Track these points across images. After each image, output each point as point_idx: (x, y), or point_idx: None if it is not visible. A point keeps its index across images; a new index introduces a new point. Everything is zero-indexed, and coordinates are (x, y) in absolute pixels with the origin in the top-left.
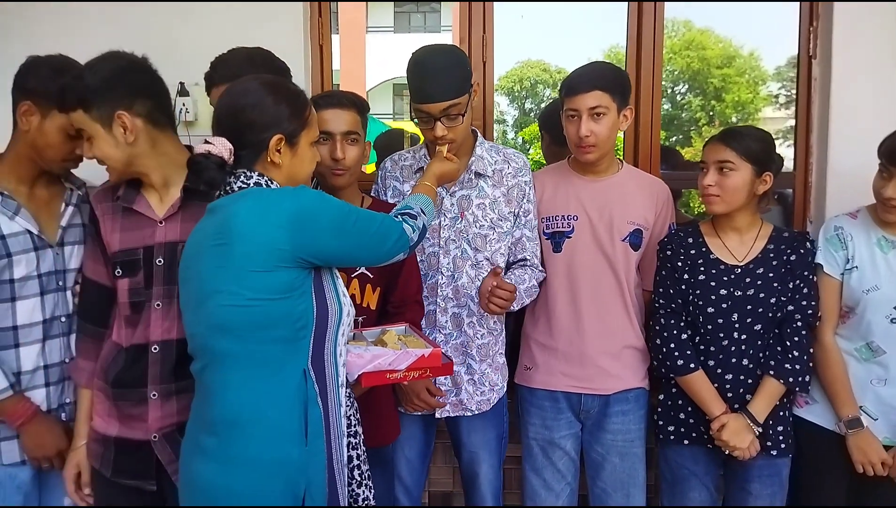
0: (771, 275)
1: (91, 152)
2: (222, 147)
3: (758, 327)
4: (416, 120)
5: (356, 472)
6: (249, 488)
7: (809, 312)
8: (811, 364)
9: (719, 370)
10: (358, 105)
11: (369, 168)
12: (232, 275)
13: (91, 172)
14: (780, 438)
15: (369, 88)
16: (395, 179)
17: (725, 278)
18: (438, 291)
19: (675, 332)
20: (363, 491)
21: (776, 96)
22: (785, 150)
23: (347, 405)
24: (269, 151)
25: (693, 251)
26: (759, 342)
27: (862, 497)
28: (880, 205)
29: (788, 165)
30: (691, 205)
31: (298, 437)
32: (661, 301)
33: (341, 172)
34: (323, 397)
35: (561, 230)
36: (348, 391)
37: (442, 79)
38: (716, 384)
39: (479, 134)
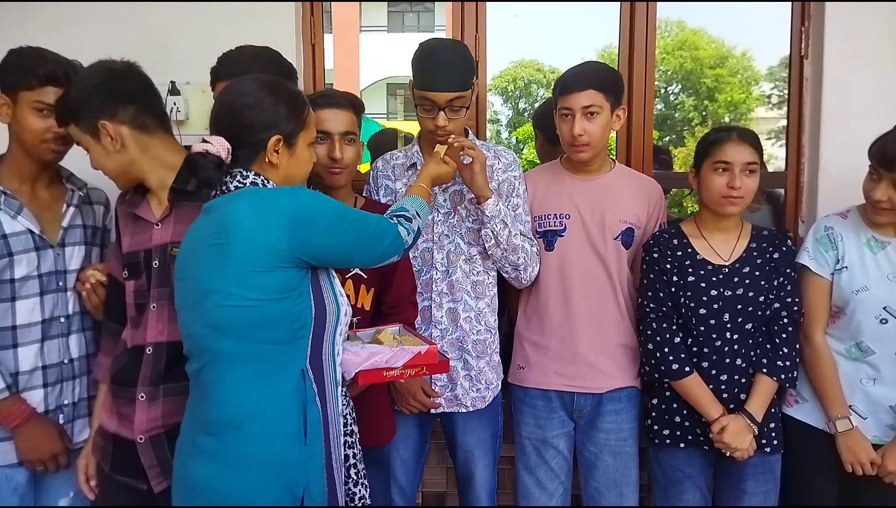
0: (757, 273)
1: (92, 164)
2: (220, 146)
3: (748, 325)
4: (417, 107)
5: (352, 471)
6: (248, 488)
7: (795, 308)
8: (798, 360)
9: (714, 372)
10: (355, 105)
11: (363, 168)
12: (229, 275)
13: (91, 173)
14: (773, 435)
15: (363, 87)
16: (387, 177)
17: (714, 279)
18: (433, 286)
19: (667, 336)
20: (359, 490)
21: (768, 96)
22: (777, 150)
23: (344, 405)
24: (267, 152)
25: (679, 253)
26: (751, 341)
27: (853, 497)
28: (870, 207)
29: (780, 164)
30: (684, 204)
31: (297, 437)
32: (651, 306)
33: (339, 171)
34: (321, 397)
35: (553, 229)
36: (345, 390)
37: (452, 70)
38: (711, 386)
39: (469, 131)
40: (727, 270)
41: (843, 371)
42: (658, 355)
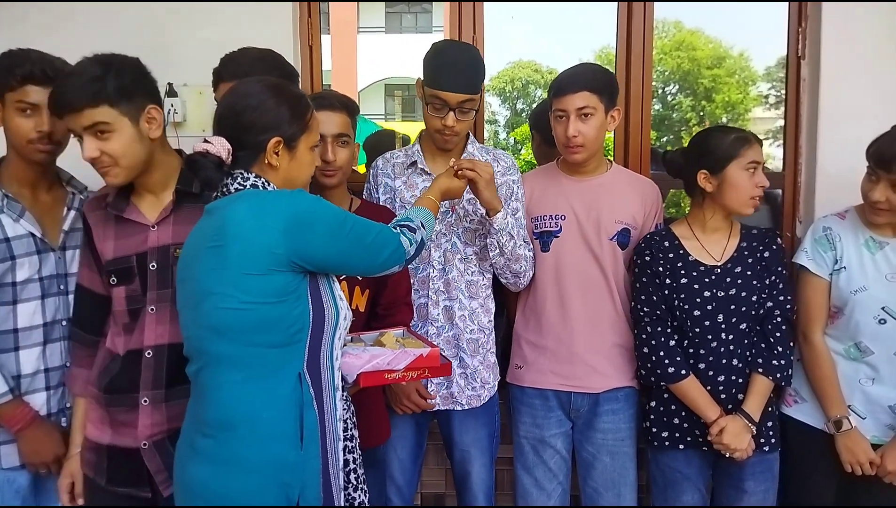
0: (749, 273)
1: (103, 149)
2: (220, 147)
3: (743, 325)
4: (427, 105)
5: (352, 476)
6: (243, 490)
7: (788, 307)
8: (792, 358)
9: (710, 373)
10: (349, 107)
11: (360, 169)
12: (227, 277)
13: (92, 175)
14: (771, 434)
15: (361, 88)
16: (387, 176)
17: (707, 280)
18: (430, 284)
19: (662, 339)
20: (359, 495)
21: (766, 97)
22: (774, 150)
23: (344, 409)
24: (267, 154)
25: (671, 255)
26: (746, 341)
27: (852, 497)
28: (868, 207)
29: (777, 165)
30: (683, 205)
31: (293, 440)
32: (645, 309)
33: (332, 172)
34: (319, 401)
35: (549, 230)
36: (345, 394)
37: (468, 72)
38: (708, 387)
39: (470, 134)
40: (719, 270)
41: (842, 371)
42: (654, 358)
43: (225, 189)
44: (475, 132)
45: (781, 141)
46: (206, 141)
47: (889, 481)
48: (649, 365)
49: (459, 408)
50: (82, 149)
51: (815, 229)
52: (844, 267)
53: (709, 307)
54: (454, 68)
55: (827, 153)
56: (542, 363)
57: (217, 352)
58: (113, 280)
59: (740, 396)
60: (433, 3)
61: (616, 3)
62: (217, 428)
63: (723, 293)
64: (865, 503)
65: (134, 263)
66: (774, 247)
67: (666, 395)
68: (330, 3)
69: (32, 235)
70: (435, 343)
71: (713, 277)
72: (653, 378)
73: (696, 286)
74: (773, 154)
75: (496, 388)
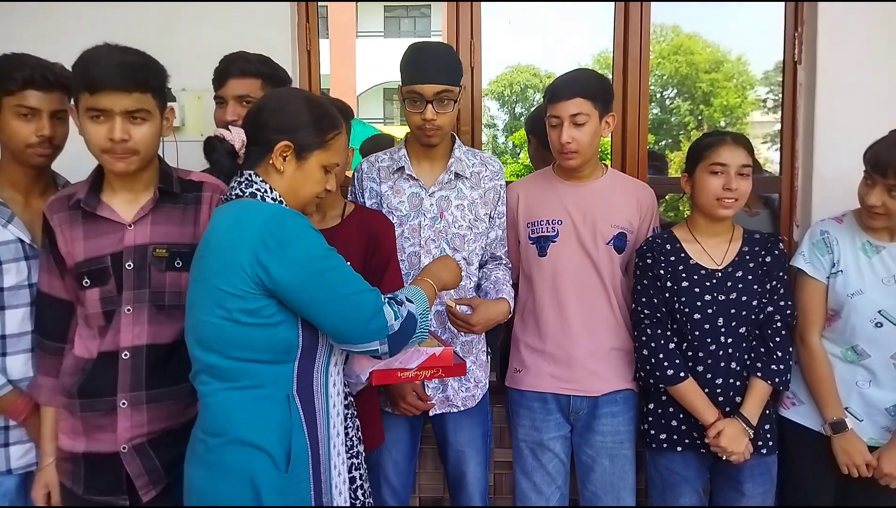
0: (750, 277)
1: (132, 134)
2: (236, 136)
3: (742, 329)
4: (405, 103)
5: (359, 492)
6: (228, 496)
7: (788, 311)
8: (791, 363)
9: (709, 376)
10: (342, 111)
11: None
12: (205, 289)
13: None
14: (769, 436)
15: (359, 92)
16: (372, 180)
17: (708, 283)
18: None
19: (662, 342)
20: None
21: (764, 100)
22: (773, 153)
23: (349, 426)
24: (274, 155)
25: (673, 258)
26: (745, 345)
27: (849, 498)
28: (865, 211)
29: (775, 168)
30: (680, 209)
31: (278, 461)
32: (645, 311)
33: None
34: (310, 426)
35: (546, 235)
36: (352, 411)
37: (439, 63)
38: (706, 390)
39: (456, 138)
40: (720, 274)
41: (839, 374)
42: (653, 360)
43: (231, 192)
44: (473, 136)
45: (779, 145)
46: (227, 128)
47: (885, 483)
48: (648, 367)
49: (455, 410)
50: (110, 130)
51: (812, 233)
52: (841, 271)
53: (709, 311)
54: (426, 62)
55: (823, 157)
56: (540, 367)
57: (206, 361)
58: (86, 282)
59: (738, 399)
60: (431, 4)
61: (612, 2)
62: (209, 434)
63: (723, 297)
64: (862, 505)
65: (109, 263)
66: (776, 252)
67: (664, 397)
68: (329, 5)
69: (21, 240)
70: (453, 347)
71: (714, 280)
72: (652, 380)
73: (696, 290)
74: (771, 158)
75: (487, 386)
